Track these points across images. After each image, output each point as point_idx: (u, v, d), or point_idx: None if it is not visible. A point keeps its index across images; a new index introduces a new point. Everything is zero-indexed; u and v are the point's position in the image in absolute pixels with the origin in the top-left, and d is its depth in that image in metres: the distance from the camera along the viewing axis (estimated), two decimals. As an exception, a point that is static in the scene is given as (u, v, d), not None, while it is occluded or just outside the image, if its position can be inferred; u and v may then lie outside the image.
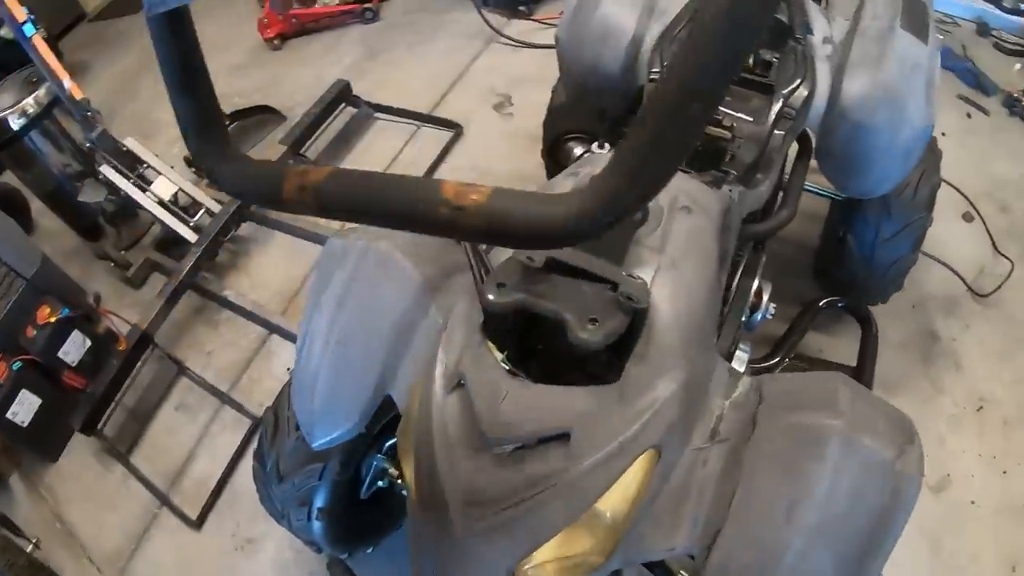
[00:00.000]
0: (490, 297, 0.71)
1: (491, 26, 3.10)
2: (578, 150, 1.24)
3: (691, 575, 0.92)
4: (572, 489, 0.69)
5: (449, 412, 0.74)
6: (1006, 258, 2.21)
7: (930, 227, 1.71)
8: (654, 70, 1.33)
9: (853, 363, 1.64)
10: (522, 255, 0.72)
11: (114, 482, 1.97)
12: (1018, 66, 2.88)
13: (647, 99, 0.45)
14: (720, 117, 1.22)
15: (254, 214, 2.44)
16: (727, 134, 1.15)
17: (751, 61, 1.35)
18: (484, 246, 0.85)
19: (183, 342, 2.26)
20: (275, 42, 3.38)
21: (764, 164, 1.24)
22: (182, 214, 2.35)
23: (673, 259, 0.80)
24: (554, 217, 0.47)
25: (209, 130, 0.56)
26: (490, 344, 0.74)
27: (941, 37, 2.89)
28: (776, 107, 1.25)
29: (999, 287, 2.14)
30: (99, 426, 1.98)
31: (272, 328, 2.19)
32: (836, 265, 1.79)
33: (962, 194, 2.34)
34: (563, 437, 0.69)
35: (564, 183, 0.94)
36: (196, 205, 2.40)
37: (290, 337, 2.13)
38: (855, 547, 0.75)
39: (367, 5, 3.43)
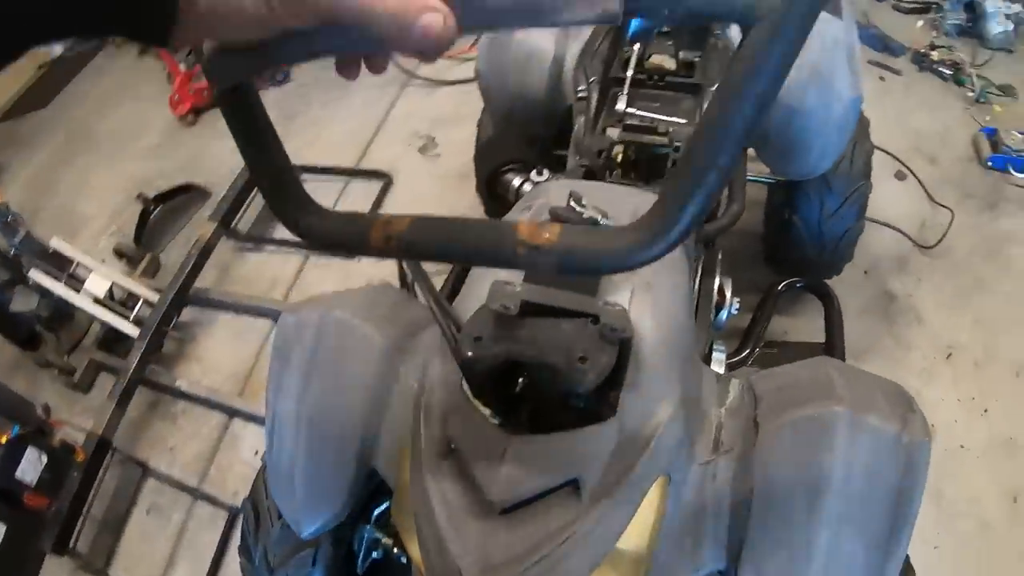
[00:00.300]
0: (469, 354, 0.67)
1: (403, 69, 3.09)
2: (516, 180, 1.22)
3: None
4: (591, 536, 0.66)
5: (446, 481, 0.69)
6: (944, 207, 2.28)
7: (871, 193, 1.74)
8: (580, 88, 1.34)
9: (820, 339, 1.66)
10: (495, 303, 0.68)
11: (95, 602, 1.87)
12: (920, 23, 3.00)
13: (689, 141, 0.46)
14: (655, 125, 1.22)
15: (194, 298, 2.36)
16: (665, 140, 1.15)
17: (674, 64, 1.36)
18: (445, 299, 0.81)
19: (143, 441, 2.16)
20: (189, 117, 3.30)
21: None
22: (120, 309, 2.27)
23: (646, 280, 0.77)
24: (618, 249, 0.49)
25: (287, 189, 0.58)
26: (475, 402, 0.71)
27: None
28: (706, 106, 1.26)
29: (943, 237, 2.21)
30: (71, 544, 1.88)
31: (232, 412, 2.11)
32: (786, 247, 1.80)
33: (891, 155, 2.41)
34: (571, 483, 0.66)
35: (520, 217, 0.91)
36: (133, 297, 2.32)
37: (252, 419, 2.06)
38: (882, 525, 0.74)
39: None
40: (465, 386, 0.72)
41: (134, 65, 3.89)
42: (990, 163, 2.39)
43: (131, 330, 2.22)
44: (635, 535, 0.71)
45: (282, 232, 2.59)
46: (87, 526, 1.95)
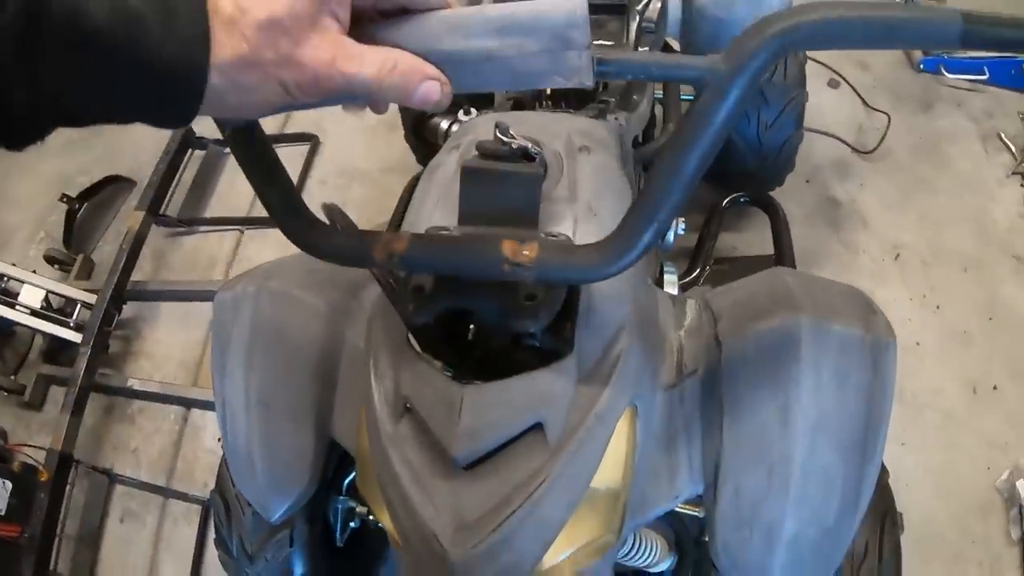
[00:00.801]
0: (412, 308, 0.65)
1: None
2: (444, 123, 1.18)
3: (706, 511, 0.90)
4: (564, 478, 0.63)
5: (405, 442, 0.66)
6: (880, 112, 2.31)
7: (807, 101, 1.74)
8: None
9: (770, 252, 1.67)
10: None
11: (84, 621, 1.83)
12: None
13: (650, 175, 0.52)
14: None
15: (132, 293, 2.28)
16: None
17: None
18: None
19: (105, 449, 2.10)
20: (103, 107, 3.15)
21: (637, 85, 1.21)
22: (59, 317, 2.18)
23: (588, 204, 0.75)
24: (595, 263, 0.56)
25: (295, 212, 0.62)
26: (425, 356, 0.68)
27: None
28: (634, 25, 1.23)
29: (881, 140, 2.24)
30: (51, 567, 1.82)
31: (189, 403, 2.07)
32: (727, 163, 1.78)
33: (821, 63, 2.41)
34: (536, 428, 0.64)
35: (449, 158, 0.87)
36: (71, 303, 2.23)
37: (210, 407, 2.01)
38: (856, 430, 0.74)
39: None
40: (413, 341, 0.69)
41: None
42: (922, 66, 2.42)
43: (74, 337, 2.13)
44: (608, 471, 0.69)
45: (213, 210, 2.53)
46: (64, 545, 1.90)
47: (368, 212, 2.38)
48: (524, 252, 0.56)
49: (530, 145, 0.67)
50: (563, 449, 0.63)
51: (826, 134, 2.26)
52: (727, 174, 1.84)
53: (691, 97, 1.72)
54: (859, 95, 2.37)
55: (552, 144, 0.80)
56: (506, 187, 0.65)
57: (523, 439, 0.64)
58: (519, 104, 1.15)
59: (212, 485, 1.78)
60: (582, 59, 0.50)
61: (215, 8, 0.42)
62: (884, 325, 0.77)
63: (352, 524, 1.19)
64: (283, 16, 0.43)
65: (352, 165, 2.55)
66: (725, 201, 1.66)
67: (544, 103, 1.15)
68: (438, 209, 0.76)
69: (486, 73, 0.51)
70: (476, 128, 0.91)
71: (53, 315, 2.18)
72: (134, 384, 2.08)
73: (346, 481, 1.16)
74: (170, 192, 2.51)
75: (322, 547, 1.18)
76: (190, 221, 2.53)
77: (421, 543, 0.63)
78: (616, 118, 1.08)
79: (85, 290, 2.26)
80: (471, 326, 0.71)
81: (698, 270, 1.52)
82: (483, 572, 0.62)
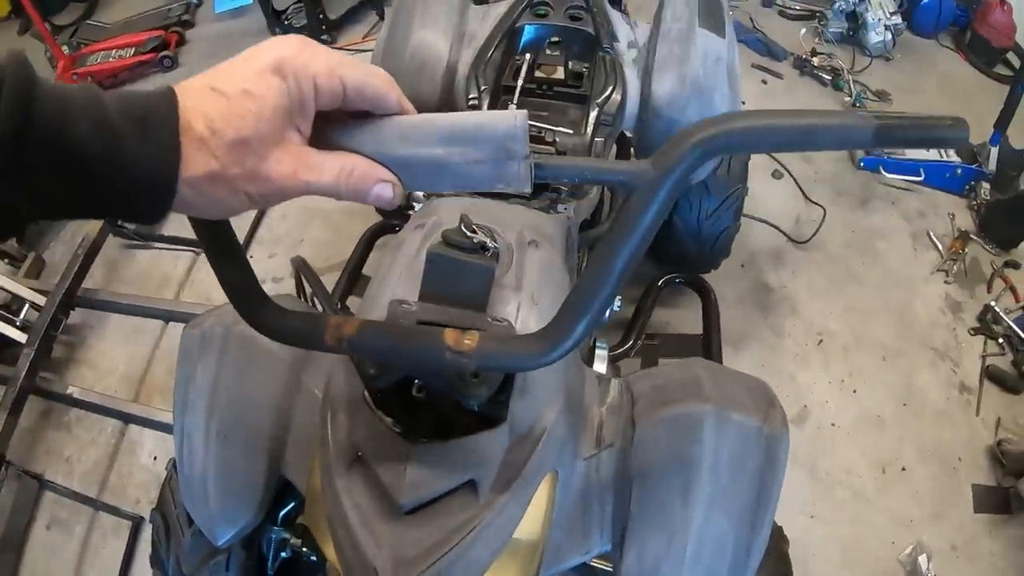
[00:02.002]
0: (371, 371, 0.73)
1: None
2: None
3: (613, 566, 0.99)
4: (491, 529, 0.72)
5: (355, 487, 0.75)
6: (817, 205, 2.46)
7: (746, 195, 1.87)
8: (471, 96, 1.37)
9: (699, 331, 1.78)
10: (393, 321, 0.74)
11: (3, 625, 1.80)
12: (803, 30, 3.17)
13: (584, 272, 0.56)
14: (542, 134, 1.27)
15: (82, 299, 2.26)
16: (551, 150, 1.20)
17: (563, 74, 1.42)
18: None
19: (38, 453, 2.08)
20: (74, 105, 3.15)
21: None
22: (5, 314, 2.15)
23: (531, 294, 0.84)
24: (531, 353, 0.60)
25: (250, 293, 0.66)
26: (378, 412, 0.76)
27: (731, 12, 3.17)
28: (593, 115, 1.33)
29: (816, 232, 2.39)
30: (-31, 568, 1.79)
31: (128, 418, 2.05)
32: (668, 244, 1.90)
33: (769, 155, 2.58)
34: (469, 484, 0.73)
35: (413, 236, 0.95)
36: (18, 300, 2.20)
37: (148, 423, 2.01)
38: (746, 505, 0.85)
39: (164, 53, 3.31)
40: (367, 396, 0.77)
41: (13, 44, 3.65)
42: (862, 164, 2.58)
43: (18, 336, 2.11)
44: (529, 525, 0.79)
45: (172, 229, 2.54)
46: (-14, 546, 1.86)
47: (326, 252, 2.43)
48: (465, 341, 0.60)
49: (488, 240, 0.76)
50: (492, 504, 0.72)
51: (765, 222, 2.40)
52: (667, 254, 1.96)
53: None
54: (800, 188, 2.53)
55: (506, 235, 0.90)
56: (463, 274, 0.74)
57: (458, 492, 0.73)
58: None
59: (144, 502, 1.81)
60: (521, 168, 0.53)
61: (188, 127, 0.45)
62: (780, 418, 0.89)
63: (284, 554, 1.24)
64: (250, 136, 0.46)
65: (314, 203, 2.57)
66: (661, 280, 1.77)
67: None
68: (401, 284, 0.85)
69: (435, 177, 0.55)
70: (439, 211, 1.00)
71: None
72: (74, 392, 2.06)
73: (281, 513, 1.22)
74: (128, 206, 2.52)
75: (255, 574, 1.24)
76: (147, 236, 2.54)
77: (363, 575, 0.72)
78: (565, 208, 1.17)
79: (34, 289, 2.25)
80: (420, 389, 0.78)
81: (630, 342, 1.62)
82: None
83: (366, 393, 0.77)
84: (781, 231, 2.40)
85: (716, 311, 1.77)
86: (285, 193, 0.50)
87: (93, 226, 2.33)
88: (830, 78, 2.96)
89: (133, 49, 3.31)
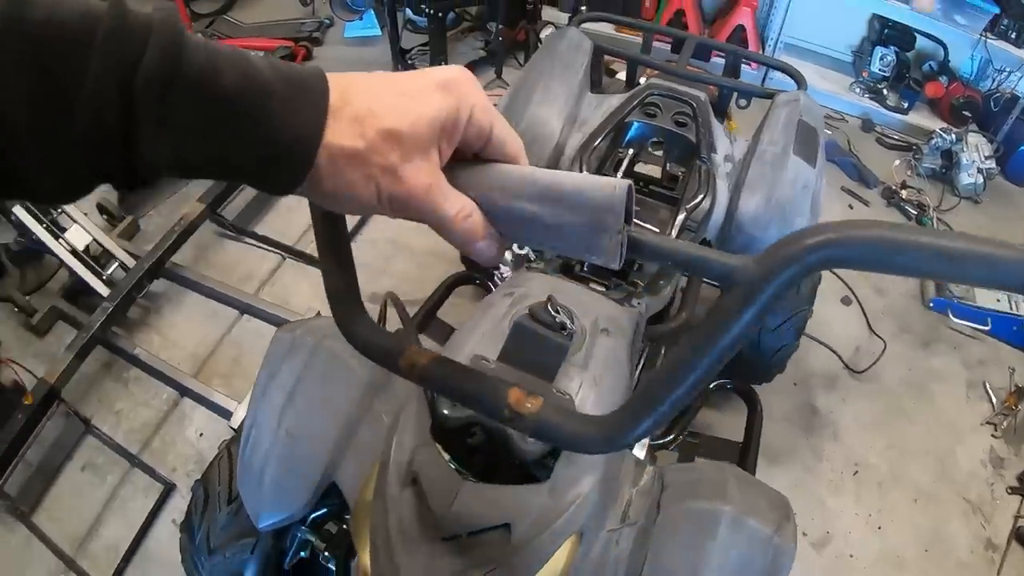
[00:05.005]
0: (445, 411, 0.83)
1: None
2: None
3: None
4: (512, 569, 0.79)
5: (404, 505, 0.82)
6: (880, 337, 2.46)
7: (810, 317, 1.90)
8: None
9: (738, 438, 1.79)
10: None
11: (17, 544, 1.88)
12: (897, 161, 3.18)
13: (661, 367, 0.53)
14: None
15: (168, 272, 2.40)
16: (652, 228, 1.28)
17: (660, 174, 1.49)
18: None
19: (91, 399, 2.19)
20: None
21: (665, 272, 1.37)
22: (95, 266, 2.29)
23: (595, 376, 0.91)
24: (581, 437, 0.58)
25: (350, 298, 0.68)
26: (439, 447, 0.84)
27: (829, 133, 3.22)
28: (680, 219, 1.38)
29: (873, 364, 2.38)
30: (0, 483, 1.89)
31: (185, 391, 2.15)
32: (728, 349, 1.93)
33: (842, 280, 2.60)
34: (504, 527, 0.79)
35: (503, 301, 1.04)
36: (109, 257, 2.35)
37: (203, 401, 2.10)
38: None
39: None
40: (432, 430, 0.85)
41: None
42: (931, 304, 2.58)
43: (101, 288, 2.24)
44: (547, 574, 0.84)
45: (265, 228, 2.66)
46: (20, 469, 1.97)
47: (406, 287, 2.52)
48: (528, 404, 0.60)
49: (568, 321, 0.84)
50: (518, 549, 0.79)
51: (825, 345, 2.41)
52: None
53: (718, 285, 1.89)
54: (866, 317, 2.53)
55: (583, 319, 0.97)
56: (541, 347, 0.83)
57: (493, 531, 0.80)
58: (566, 263, 1.30)
59: (181, 472, 1.90)
60: (612, 242, 0.50)
61: (347, 100, 0.45)
62: (791, 531, 0.94)
63: (303, 554, 1.31)
64: (405, 132, 0.46)
65: (403, 239, 2.69)
66: (714, 384, 1.80)
67: (583, 267, 1.31)
68: (483, 341, 0.93)
69: (529, 232, 0.53)
70: (529, 284, 1.09)
71: (90, 262, 2.29)
72: (140, 354, 2.17)
73: (313, 515, 1.29)
74: (233, 196, 2.68)
75: (274, 564, 1.31)
76: (241, 230, 2.67)
77: None
78: (639, 302, 1.24)
79: (125, 250, 2.39)
80: (476, 436, 0.86)
81: (672, 436, 1.65)
82: None
83: (432, 427, 0.85)
84: (839, 357, 2.40)
85: (760, 424, 1.78)
86: (411, 204, 0.49)
87: (194, 207, 2.48)
88: (916, 213, 2.96)
89: (262, 54, 3.47)
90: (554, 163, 1.54)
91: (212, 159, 0.43)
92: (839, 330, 2.49)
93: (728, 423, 2.10)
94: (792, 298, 1.78)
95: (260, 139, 0.42)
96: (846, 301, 2.58)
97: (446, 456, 0.83)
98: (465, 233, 0.51)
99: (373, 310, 0.87)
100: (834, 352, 2.40)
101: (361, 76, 0.47)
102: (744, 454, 1.70)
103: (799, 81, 1.78)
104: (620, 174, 1.46)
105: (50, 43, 0.36)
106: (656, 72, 1.69)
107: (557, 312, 0.83)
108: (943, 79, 3.32)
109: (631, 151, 1.52)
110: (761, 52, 3.42)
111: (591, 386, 0.90)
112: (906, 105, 3.40)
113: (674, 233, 1.36)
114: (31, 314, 2.33)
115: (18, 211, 2.23)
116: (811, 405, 2.29)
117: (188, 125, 0.40)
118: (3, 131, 0.36)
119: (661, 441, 1.62)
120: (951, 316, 2.55)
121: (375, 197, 0.48)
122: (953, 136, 3.07)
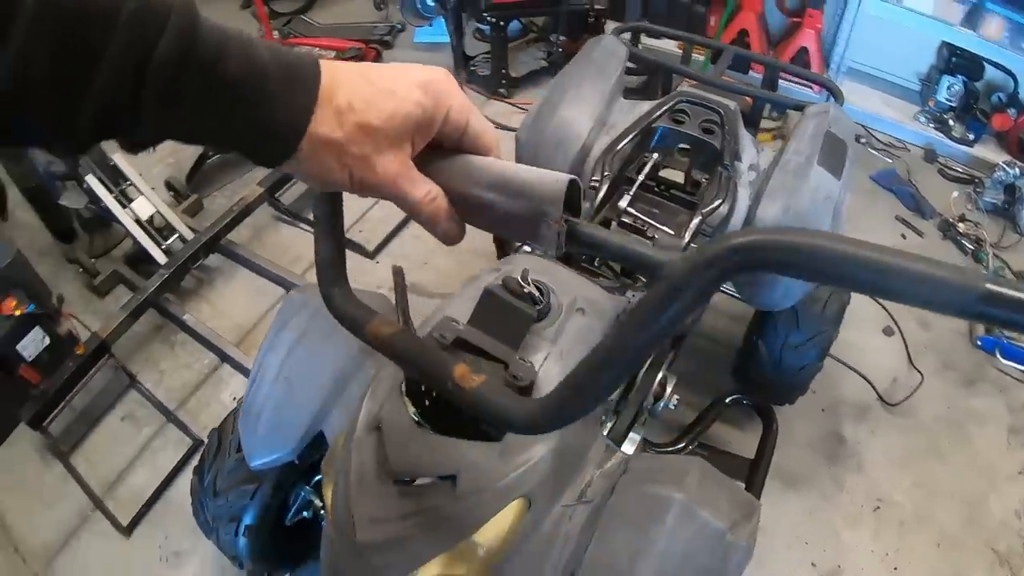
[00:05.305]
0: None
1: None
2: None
3: None
4: (453, 519, 0.84)
5: (366, 448, 0.88)
6: (918, 371, 2.36)
7: (836, 339, 1.86)
8: (594, 178, 1.47)
9: (750, 455, 1.75)
10: (436, 332, 0.87)
11: (52, 480, 2.02)
12: (956, 193, 3.05)
13: (601, 343, 0.53)
14: (645, 228, 1.37)
15: (224, 247, 2.55)
16: (648, 243, 1.28)
17: (683, 179, 1.51)
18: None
19: (138, 356, 2.34)
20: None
21: None
22: (156, 236, 2.45)
23: (562, 351, 0.94)
24: (521, 414, 0.60)
25: (334, 269, 0.75)
26: (406, 400, 0.89)
27: (890, 161, 3.12)
28: (695, 222, 1.39)
29: (908, 398, 2.29)
30: (45, 423, 2.03)
31: (225, 357, 2.27)
32: (749, 365, 1.93)
33: (886, 310, 2.52)
34: (452, 478, 0.84)
35: (489, 276, 1.07)
36: (170, 228, 2.50)
37: (241, 369, 2.23)
38: None
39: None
40: (403, 385, 0.91)
41: (232, 16, 4.13)
42: (979, 343, 2.45)
43: (160, 257, 2.40)
44: (490, 536, 0.88)
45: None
46: (65, 412, 2.12)
47: (443, 279, 2.60)
48: (471, 378, 0.64)
49: (539, 294, 0.89)
50: (462, 499, 0.84)
51: (858, 373, 2.33)
52: (747, 375, 1.97)
53: (735, 294, 1.88)
54: (907, 349, 2.44)
55: (561, 296, 1.01)
56: (507, 314, 0.87)
57: (442, 481, 0.85)
58: (568, 254, 1.33)
59: (214, 428, 2.00)
60: (550, 231, 0.54)
61: (332, 93, 0.49)
62: (749, 532, 0.93)
63: (305, 513, 1.40)
64: (379, 127, 0.51)
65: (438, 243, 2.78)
66: (729, 397, 1.78)
67: (595, 263, 1.35)
68: (460, 307, 0.97)
69: (485, 217, 0.58)
70: (516, 263, 1.12)
71: (153, 232, 2.45)
72: (188, 320, 2.32)
73: (315, 479, 1.36)
74: (291, 183, 2.81)
75: (273, 516, 1.40)
76: (295, 215, 2.81)
77: (342, 519, 0.85)
78: (634, 295, 1.26)
79: (187, 225, 2.54)
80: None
81: (681, 445, 1.64)
82: (375, 557, 0.83)
83: (403, 383, 0.91)
84: (873, 387, 2.32)
85: (774, 442, 1.74)
86: (379, 190, 0.54)
87: (253, 190, 2.63)
88: (972, 248, 2.83)
89: (334, 53, 3.63)
90: (579, 163, 1.57)
91: (209, 132, 0.48)
92: (877, 360, 2.41)
93: (745, 441, 2.07)
94: (816, 317, 1.76)
95: (255, 120, 0.47)
96: (888, 331, 2.50)
97: (412, 409, 0.89)
98: (430, 215, 0.57)
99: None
100: (868, 381, 2.33)
101: (349, 67, 0.52)
102: (752, 472, 1.66)
103: (836, 95, 1.77)
104: (642, 177, 1.48)
105: (79, 18, 0.39)
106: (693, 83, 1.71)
107: (527, 283, 0.88)
108: (1012, 111, 3.17)
109: (656, 155, 1.54)
110: (825, 75, 3.36)
111: (556, 359, 0.93)
112: (972, 137, 3.26)
113: (687, 237, 1.38)
114: (95, 276, 2.50)
115: (90, 179, 2.39)
116: (838, 434, 2.22)
117: (192, 104, 0.44)
118: (25, 88, 0.39)
119: (669, 449, 1.62)
120: (999, 356, 2.42)
121: (348, 180, 0.53)
122: (1017, 170, 2.93)
